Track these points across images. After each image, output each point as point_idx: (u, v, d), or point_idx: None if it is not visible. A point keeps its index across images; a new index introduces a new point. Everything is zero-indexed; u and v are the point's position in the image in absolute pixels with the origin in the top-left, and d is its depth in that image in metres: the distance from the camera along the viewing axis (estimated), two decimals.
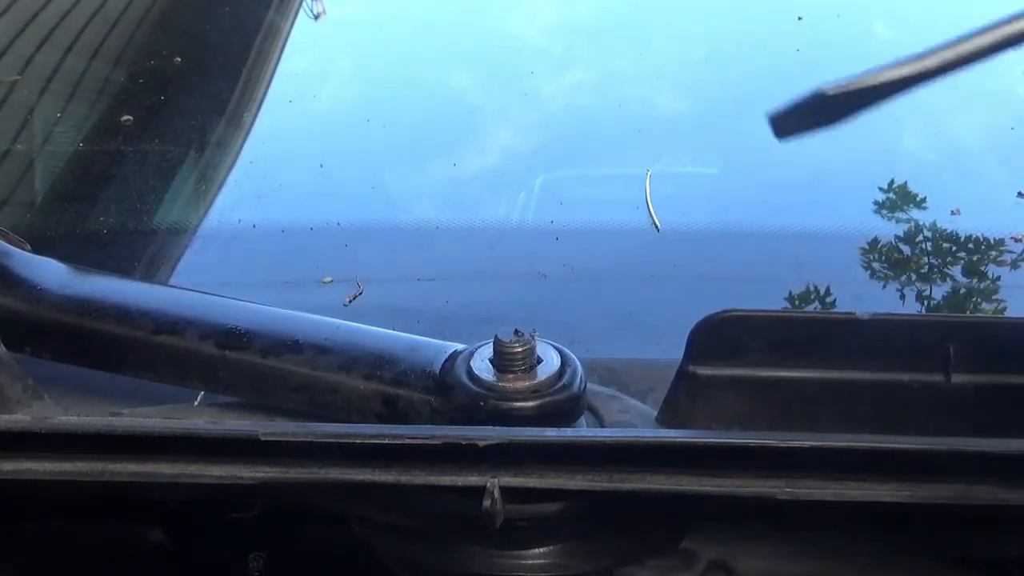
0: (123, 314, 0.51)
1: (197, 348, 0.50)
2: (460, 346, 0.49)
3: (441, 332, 0.51)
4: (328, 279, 0.51)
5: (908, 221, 0.78)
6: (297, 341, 0.49)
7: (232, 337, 0.50)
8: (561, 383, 0.46)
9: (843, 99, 0.40)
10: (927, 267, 0.76)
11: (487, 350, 0.46)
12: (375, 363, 0.48)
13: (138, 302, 0.52)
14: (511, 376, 0.45)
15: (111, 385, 0.55)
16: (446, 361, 0.48)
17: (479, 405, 0.45)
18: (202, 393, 0.55)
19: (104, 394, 0.55)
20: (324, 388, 0.49)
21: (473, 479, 0.41)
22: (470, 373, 0.46)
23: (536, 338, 0.46)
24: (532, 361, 0.45)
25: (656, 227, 0.81)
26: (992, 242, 0.76)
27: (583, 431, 0.46)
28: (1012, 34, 0.39)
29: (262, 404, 0.51)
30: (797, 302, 0.68)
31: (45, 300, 0.51)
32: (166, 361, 0.51)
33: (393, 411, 0.48)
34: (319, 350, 0.49)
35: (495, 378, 0.45)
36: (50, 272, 0.53)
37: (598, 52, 1.12)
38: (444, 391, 0.47)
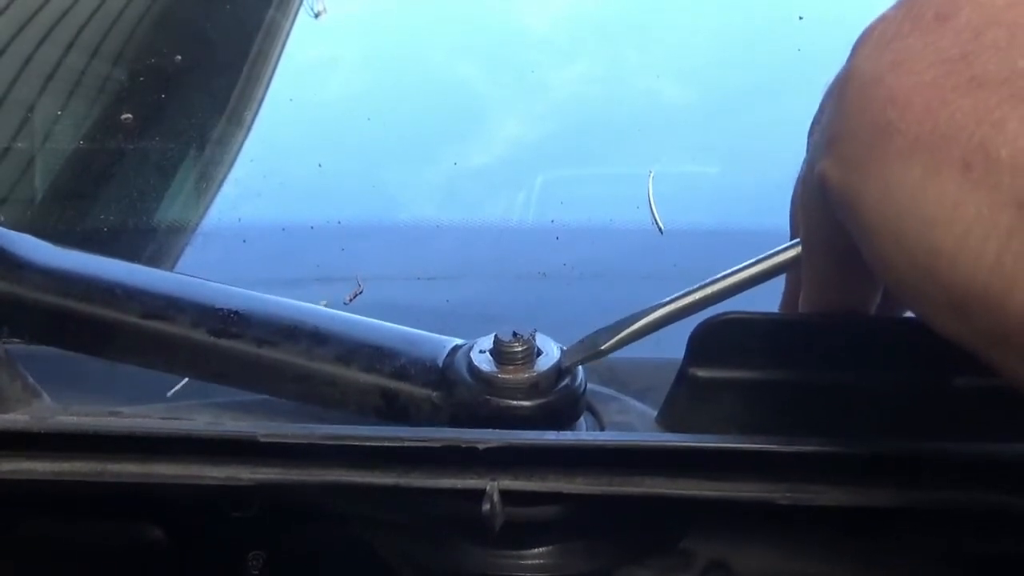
0: (110, 296, 0.49)
1: (189, 335, 0.48)
2: (461, 341, 0.48)
3: (441, 331, 0.50)
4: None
5: None
6: (294, 330, 0.48)
7: (226, 324, 0.48)
8: (563, 382, 0.46)
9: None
10: None
11: (488, 344, 0.46)
12: (375, 356, 0.48)
13: (126, 284, 0.50)
14: (511, 368, 0.45)
15: (110, 381, 0.55)
16: (447, 356, 0.47)
17: (479, 401, 0.45)
18: (185, 380, 0.54)
19: (103, 391, 0.55)
20: (322, 380, 0.47)
21: (472, 482, 0.41)
22: (471, 367, 0.46)
23: (535, 335, 0.46)
24: (532, 355, 0.45)
25: (659, 229, 0.81)
26: None
27: (583, 434, 0.46)
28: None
29: (263, 402, 0.51)
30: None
31: (25, 279, 0.50)
32: (155, 347, 0.49)
33: (393, 405, 0.47)
34: (317, 340, 0.48)
35: (495, 371, 0.45)
36: (31, 249, 0.51)
37: (598, 51, 1.12)
38: (445, 386, 0.46)
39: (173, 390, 0.54)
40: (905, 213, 0.29)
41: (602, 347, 0.44)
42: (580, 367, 0.46)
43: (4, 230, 0.52)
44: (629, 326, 0.43)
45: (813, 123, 0.40)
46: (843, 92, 0.32)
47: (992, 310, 0.27)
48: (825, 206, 0.34)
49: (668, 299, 0.43)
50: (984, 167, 0.27)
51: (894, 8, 0.32)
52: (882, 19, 0.32)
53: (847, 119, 0.32)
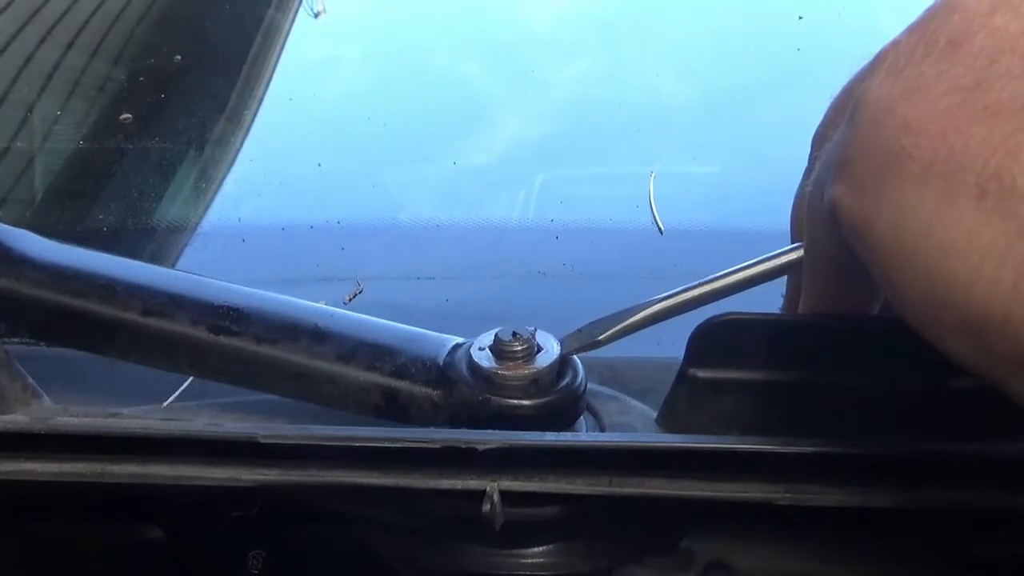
0: (108, 293, 0.49)
1: (188, 332, 0.48)
2: (461, 339, 0.48)
3: (441, 330, 0.50)
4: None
5: None
6: (294, 328, 0.48)
7: (226, 321, 0.48)
8: (564, 380, 0.46)
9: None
10: None
11: (488, 341, 0.46)
12: (375, 354, 0.47)
13: (125, 281, 0.49)
14: (512, 364, 0.45)
15: (110, 382, 0.55)
16: (447, 354, 0.47)
17: (480, 400, 0.45)
18: (189, 379, 0.54)
19: (103, 392, 0.55)
20: (322, 378, 0.47)
21: (473, 483, 0.41)
22: (471, 365, 0.46)
23: (536, 333, 0.46)
24: (532, 351, 0.45)
25: (660, 230, 0.81)
26: None
27: (583, 435, 0.46)
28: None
29: (263, 402, 0.51)
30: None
31: (23, 274, 0.49)
32: (154, 344, 0.49)
33: (393, 404, 0.47)
34: (317, 338, 0.48)
35: (495, 367, 0.45)
36: (28, 245, 0.51)
37: (597, 50, 1.12)
38: (445, 385, 0.46)
39: (171, 397, 0.55)
40: (919, 240, 0.29)
41: (599, 338, 0.44)
42: (581, 368, 0.46)
43: (1, 226, 0.51)
44: (627, 318, 0.43)
45: (817, 135, 0.40)
46: (854, 117, 0.32)
47: (1011, 338, 0.27)
48: (832, 225, 0.34)
49: (667, 294, 0.43)
50: (999, 195, 0.27)
51: (905, 34, 0.32)
52: (893, 45, 0.32)
53: (858, 144, 0.31)
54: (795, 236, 0.43)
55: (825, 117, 0.40)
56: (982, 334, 0.28)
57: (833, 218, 0.33)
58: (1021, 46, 0.29)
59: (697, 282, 0.43)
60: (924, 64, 0.30)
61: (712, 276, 0.43)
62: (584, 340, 0.45)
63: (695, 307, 0.43)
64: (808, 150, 0.42)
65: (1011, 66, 0.28)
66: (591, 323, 0.45)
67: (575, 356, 0.47)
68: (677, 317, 0.44)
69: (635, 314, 0.43)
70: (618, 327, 0.44)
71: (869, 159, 0.31)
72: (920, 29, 0.31)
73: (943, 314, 0.29)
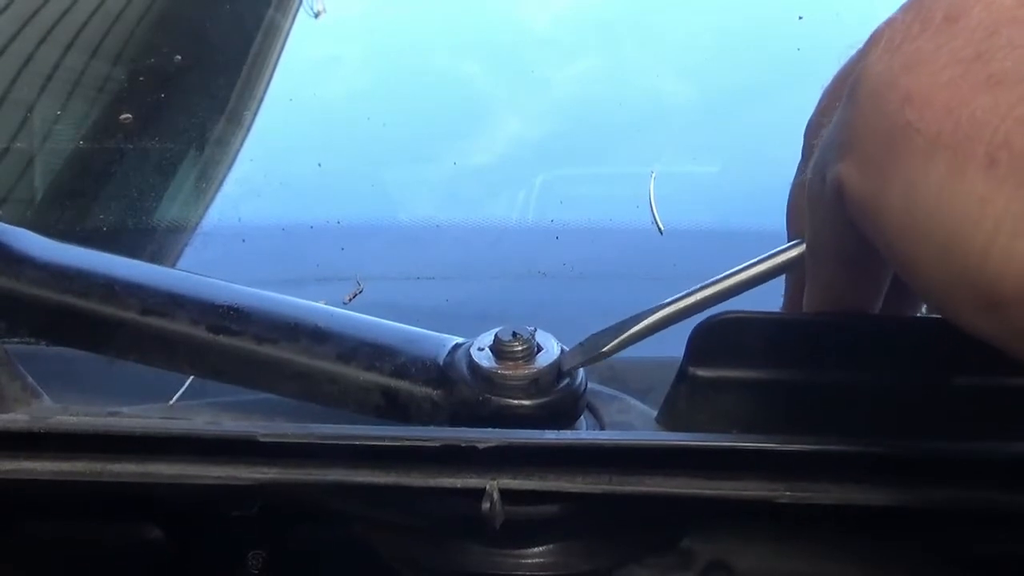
0: (108, 292, 0.49)
1: (188, 331, 0.48)
2: (461, 339, 0.48)
3: (441, 330, 0.51)
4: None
5: None
6: (295, 328, 0.48)
7: (226, 321, 0.48)
8: (564, 380, 0.46)
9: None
10: None
11: (488, 341, 0.46)
12: (376, 354, 0.48)
13: (125, 280, 0.50)
14: (511, 364, 0.45)
15: (109, 381, 0.55)
16: (448, 354, 0.47)
17: (480, 400, 0.45)
18: (190, 379, 0.54)
19: (103, 391, 0.55)
20: (322, 378, 0.47)
21: (473, 481, 0.41)
22: (471, 365, 0.46)
23: (535, 332, 0.46)
24: (532, 351, 0.45)
25: (660, 230, 0.81)
26: None
27: (583, 433, 0.46)
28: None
29: (263, 402, 0.51)
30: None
31: (23, 274, 0.49)
32: (154, 343, 0.49)
33: (393, 404, 0.47)
34: (318, 338, 0.48)
35: (495, 367, 0.45)
36: (28, 244, 0.51)
37: (597, 50, 1.12)
38: (445, 384, 0.46)
39: (175, 397, 0.55)
40: (931, 213, 0.28)
41: (603, 349, 0.44)
42: (581, 368, 0.46)
43: (2, 225, 0.51)
44: (630, 328, 0.43)
45: (811, 123, 0.40)
46: (855, 96, 0.32)
47: None
48: (835, 209, 0.33)
49: (669, 300, 0.43)
50: (1010, 163, 0.27)
51: (901, 11, 0.32)
52: (889, 23, 0.32)
53: (861, 120, 0.31)
54: (792, 231, 0.43)
55: (819, 104, 0.39)
56: (999, 306, 0.28)
57: (838, 199, 0.33)
58: (1020, 16, 0.29)
59: (698, 286, 0.42)
60: (922, 39, 0.30)
61: (711, 280, 0.42)
62: (587, 354, 0.44)
63: (698, 312, 0.42)
64: None
65: (1012, 36, 0.28)
66: (594, 335, 0.44)
67: None
68: None
69: (637, 323, 0.43)
70: (621, 338, 0.43)
71: (874, 135, 0.31)
72: (915, 6, 0.31)
73: (959, 288, 0.28)
